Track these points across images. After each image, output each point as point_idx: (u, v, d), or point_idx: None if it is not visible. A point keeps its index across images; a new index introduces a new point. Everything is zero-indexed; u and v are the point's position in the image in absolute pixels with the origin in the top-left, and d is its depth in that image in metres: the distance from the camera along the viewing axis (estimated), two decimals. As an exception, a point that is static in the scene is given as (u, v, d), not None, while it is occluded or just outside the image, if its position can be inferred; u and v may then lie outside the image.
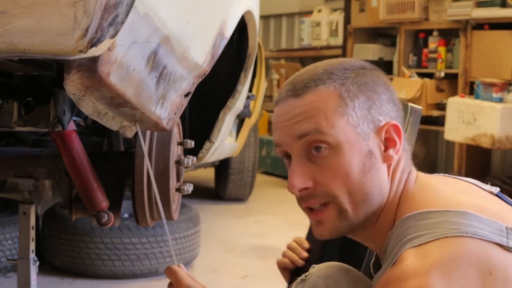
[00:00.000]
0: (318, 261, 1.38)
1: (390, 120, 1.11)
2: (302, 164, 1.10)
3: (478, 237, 0.98)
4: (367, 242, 1.19)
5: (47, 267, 3.01)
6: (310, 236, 1.49)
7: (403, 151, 1.13)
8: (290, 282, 1.46)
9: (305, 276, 1.25)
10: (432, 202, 1.06)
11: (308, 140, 1.09)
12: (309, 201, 1.11)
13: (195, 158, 2.03)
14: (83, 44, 0.87)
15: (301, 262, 1.43)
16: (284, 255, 1.47)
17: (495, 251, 0.98)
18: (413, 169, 1.17)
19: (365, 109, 1.09)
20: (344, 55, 5.68)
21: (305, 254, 1.44)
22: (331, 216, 1.10)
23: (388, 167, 1.11)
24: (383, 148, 1.10)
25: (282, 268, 1.47)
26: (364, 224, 1.12)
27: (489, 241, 0.98)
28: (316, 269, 1.24)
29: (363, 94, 1.10)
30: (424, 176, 1.17)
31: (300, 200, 1.13)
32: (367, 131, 1.09)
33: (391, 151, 1.10)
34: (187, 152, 2.12)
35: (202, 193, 5.03)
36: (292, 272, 1.46)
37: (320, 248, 1.44)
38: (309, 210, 1.13)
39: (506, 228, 1.00)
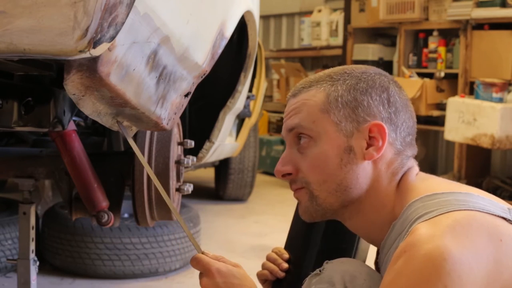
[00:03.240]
0: (298, 272, 1.37)
1: (377, 121, 1.18)
2: (290, 153, 1.24)
3: (484, 211, 1.07)
4: (360, 232, 1.26)
5: (47, 267, 3.01)
6: (288, 246, 1.45)
7: (395, 154, 1.20)
8: None
9: (319, 271, 1.24)
10: (436, 188, 1.14)
11: (295, 133, 1.23)
12: (291, 186, 1.25)
13: (195, 158, 2.03)
14: (83, 44, 0.87)
15: (281, 274, 1.39)
16: (264, 266, 1.43)
17: (502, 222, 1.07)
18: (415, 167, 1.23)
19: (350, 108, 1.19)
20: (344, 55, 5.69)
21: (286, 265, 1.40)
22: (304, 198, 1.24)
23: (374, 165, 1.19)
24: (365, 146, 1.19)
25: (263, 280, 1.43)
26: (346, 211, 1.22)
27: (495, 215, 1.07)
28: (331, 264, 1.25)
29: (350, 94, 1.20)
30: (425, 174, 1.25)
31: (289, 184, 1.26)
32: (350, 129, 1.19)
33: (371, 149, 1.18)
34: (187, 152, 2.13)
35: (202, 193, 5.03)
36: (273, 284, 1.41)
37: (299, 258, 1.41)
38: (293, 192, 1.27)
39: (508, 208, 1.11)
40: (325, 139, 1.19)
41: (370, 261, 1.37)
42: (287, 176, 1.24)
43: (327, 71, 1.26)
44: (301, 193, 1.24)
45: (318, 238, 1.42)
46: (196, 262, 1.26)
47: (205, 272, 1.24)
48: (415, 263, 1.02)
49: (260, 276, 1.43)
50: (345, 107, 1.19)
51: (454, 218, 1.05)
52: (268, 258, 1.44)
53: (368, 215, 1.21)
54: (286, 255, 1.42)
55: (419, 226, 1.06)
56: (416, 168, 1.23)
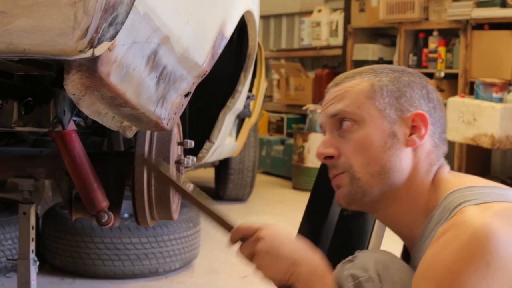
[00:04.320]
0: None
1: (420, 111, 1.24)
2: (331, 137, 1.26)
3: None
4: (392, 223, 1.28)
5: (47, 267, 3.01)
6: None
7: (433, 146, 1.26)
8: None
9: (352, 258, 1.25)
10: (471, 182, 1.19)
11: (338, 118, 1.25)
12: (331, 171, 1.27)
13: (195, 158, 2.03)
14: (83, 44, 0.87)
15: None
16: None
17: None
18: (447, 165, 1.29)
19: (393, 97, 1.24)
20: (344, 55, 5.69)
21: None
22: (345, 181, 1.24)
23: (414, 153, 1.23)
24: (408, 133, 1.23)
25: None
26: (383, 198, 1.23)
27: None
28: (363, 253, 1.27)
29: (394, 85, 1.25)
30: (457, 172, 1.31)
31: (329, 170, 1.28)
32: (393, 116, 1.23)
33: (414, 137, 1.23)
34: (187, 152, 2.12)
35: (202, 193, 5.02)
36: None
37: None
38: (332, 179, 1.27)
39: None
40: (369, 123, 1.23)
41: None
42: (329, 160, 1.26)
43: (367, 67, 1.32)
44: (341, 177, 1.25)
45: (329, 234, 1.43)
46: (239, 231, 1.27)
47: (255, 238, 1.25)
48: (461, 238, 1.06)
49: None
50: (389, 96, 1.24)
51: (499, 206, 1.10)
52: None
53: (403, 205, 1.23)
54: None
55: (466, 208, 1.10)
56: (448, 167, 1.29)
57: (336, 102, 1.26)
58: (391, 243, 1.50)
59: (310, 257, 1.23)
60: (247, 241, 1.26)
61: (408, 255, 1.32)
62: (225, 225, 1.31)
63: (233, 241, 1.28)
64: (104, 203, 1.80)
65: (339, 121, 1.25)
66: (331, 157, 1.25)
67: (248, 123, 3.97)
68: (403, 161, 1.22)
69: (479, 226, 1.05)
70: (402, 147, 1.23)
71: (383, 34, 5.56)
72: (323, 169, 1.50)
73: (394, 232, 1.31)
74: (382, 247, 1.42)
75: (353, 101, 1.24)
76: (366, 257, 1.25)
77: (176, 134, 1.95)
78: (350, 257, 1.25)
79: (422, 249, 1.19)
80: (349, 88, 1.26)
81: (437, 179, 1.24)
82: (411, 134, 1.23)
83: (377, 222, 1.47)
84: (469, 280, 1.04)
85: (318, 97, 6.04)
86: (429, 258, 1.10)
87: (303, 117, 6.07)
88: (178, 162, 1.93)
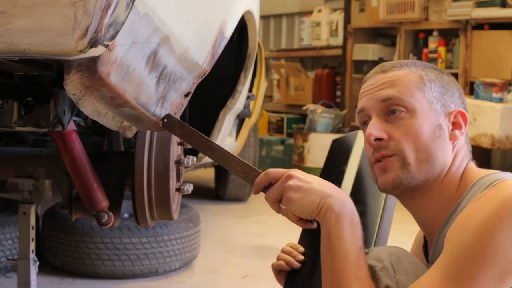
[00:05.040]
0: (314, 264, 1.38)
1: (461, 109, 1.31)
2: (380, 121, 1.29)
3: None
4: (422, 212, 1.31)
5: (47, 267, 3.01)
6: (302, 242, 1.47)
7: (465, 143, 1.33)
8: (285, 285, 1.43)
9: (367, 251, 1.28)
10: (499, 171, 1.26)
11: (389, 103, 1.28)
12: (380, 151, 1.28)
13: (195, 158, 2.03)
14: (83, 44, 0.87)
15: (297, 264, 1.41)
16: (279, 258, 1.45)
17: None
18: (473, 161, 1.35)
19: (439, 93, 1.29)
20: (344, 55, 5.69)
21: (301, 257, 1.42)
22: (394, 165, 1.27)
23: (453, 147, 1.30)
24: (450, 128, 1.29)
25: (278, 271, 1.45)
26: (424, 185, 1.27)
27: None
28: (377, 247, 1.33)
29: (439, 81, 1.31)
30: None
31: (372, 154, 1.29)
32: (439, 110, 1.29)
33: (457, 132, 1.30)
34: (187, 152, 2.12)
35: (202, 193, 5.03)
36: (287, 275, 1.43)
37: (314, 252, 1.41)
38: (376, 163, 1.29)
39: None
40: (420, 112, 1.27)
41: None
42: (378, 142, 1.28)
43: (408, 60, 1.38)
44: (390, 161, 1.27)
45: None
46: (268, 175, 1.29)
47: (285, 177, 1.27)
48: (501, 196, 1.12)
49: (275, 266, 1.45)
50: (436, 90, 1.29)
51: None
52: (284, 251, 1.46)
53: (436, 194, 1.28)
54: (302, 249, 1.45)
55: (506, 180, 1.18)
56: (474, 163, 1.35)
57: (388, 88, 1.29)
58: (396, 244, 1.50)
59: (340, 193, 1.26)
60: (276, 183, 1.28)
61: (426, 249, 1.36)
62: (252, 174, 1.34)
63: (261, 185, 1.31)
64: (104, 203, 1.80)
65: (388, 106, 1.28)
66: (379, 139, 1.28)
67: (248, 123, 3.97)
68: (447, 152, 1.28)
69: (510, 193, 1.11)
70: (447, 140, 1.29)
71: (383, 34, 5.56)
72: (325, 171, 1.50)
73: (418, 221, 1.35)
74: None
75: (406, 89, 1.28)
76: (380, 250, 1.30)
77: (176, 134, 1.94)
78: (365, 250, 1.27)
79: (443, 233, 1.21)
80: (400, 76, 1.29)
81: (466, 172, 1.30)
82: (453, 130, 1.30)
83: (382, 223, 1.47)
84: (503, 233, 1.09)
85: (318, 97, 6.05)
86: (467, 211, 1.15)
87: (303, 117, 6.07)
88: (178, 162, 1.93)
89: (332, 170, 1.48)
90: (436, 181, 1.28)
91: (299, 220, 1.28)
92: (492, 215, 1.10)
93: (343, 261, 1.21)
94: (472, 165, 1.33)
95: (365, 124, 1.33)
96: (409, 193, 1.29)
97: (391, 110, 1.28)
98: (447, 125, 1.29)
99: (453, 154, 1.30)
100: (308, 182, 1.25)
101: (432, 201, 1.29)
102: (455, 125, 1.30)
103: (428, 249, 1.32)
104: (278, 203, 1.28)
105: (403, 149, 1.26)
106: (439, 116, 1.28)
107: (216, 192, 4.88)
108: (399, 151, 1.26)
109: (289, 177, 1.26)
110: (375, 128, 1.28)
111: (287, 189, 1.26)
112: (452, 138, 1.29)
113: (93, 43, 0.88)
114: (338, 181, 1.44)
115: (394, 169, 1.27)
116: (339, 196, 1.25)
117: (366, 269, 1.21)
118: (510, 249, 1.08)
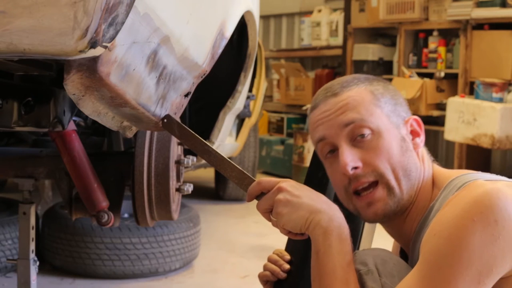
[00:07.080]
0: (300, 273, 1.37)
1: (414, 116, 1.31)
2: (350, 148, 1.25)
3: None
4: (400, 227, 1.30)
5: (47, 267, 3.01)
6: (290, 248, 1.45)
7: (424, 147, 1.31)
8: None
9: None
10: (468, 171, 1.25)
11: (353, 127, 1.25)
12: (359, 180, 1.25)
13: (195, 158, 2.03)
14: (83, 44, 0.87)
15: (283, 275, 1.39)
16: (265, 268, 1.43)
17: None
18: (435, 161, 1.35)
19: (392, 104, 1.28)
20: (344, 55, 5.68)
21: (287, 266, 1.40)
22: (382, 195, 1.24)
23: (417, 154, 1.29)
24: (411, 137, 1.29)
25: (264, 281, 1.42)
26: (408, 202, 1.26)
27: None
28: (362, 251, 1.32)
29: (388, 93, 1.29)
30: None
31: (349, 184, 1.26)
32: (397, 122, 1.27)
33: (417, 140, 1.29)
34: (187, 152, 2.12)
35: (202, 193, 5.03)
36: (274, 285, 1.40)
37: (301, 259, 1.40)
38: (356, 196, 1.26)
39: None
40: (384, 130, 1.25)
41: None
42: (354, 171, 1.24)
43: (348, 76, 1.34)
44: (376, 191, 1.24)
45: None
46: (260, 185, 1.29)
47: (276, 189, 1.27)
48: (471, 196, 1.12)
49: (261, 277, 1.43)
50: (389, 103, 1.28)
51: (507, 182, 1.17)
52: (270, 260, 1.44)
53: (416, 208, 1.27)
54: (288, 257, 1.43)
55: (476, 180, 1.17)
56: (437, 163, 1.34)
57: (348, 111, 1.25)
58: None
59: (330, 207, 1.25)
60: (267, 194, 1.28)
61: (404, 254, 1.35)
62: (246, 181, 1.33)
63: (253, 194, 1.30)
64: (104, 203, 1.80)
65: (353, 130, 1.24)
66: (355, 168, 1.24)
67: (248, 123, 3.97)
68: (417, 163, 1.27)
69: (491, 187, 1.11)
70: (412, 149, 1.28)
71: (383, 34, 5.55)
72: (309, 176, 1.50)
73: (396, 237, 1.34)
74: None
75: (364, 109, 1.25)
76: (365, 254, 1.29)
77: (176, 134, 1.94)
78: None
79: (419, 239, 1.21)
80: (354, 96, 1.26)
81: (435, 175, 1.29)
82: (413, 138, 1.29)
83: (365, 228, 1.47)
84: (477, 236, 1.08)
85: (318, 97, 6.03)
86: (439, 216, 1.14)
87: (303, 117, 6.07)
88: (178, 162, 1.94)
89: (316, 175, 1.47)
90: (416, 194, 1.27)
91: (289, 233, 1.28)
92: (464, 218, 1.10)
93: (331, 278, 1.21)
94: (437, 166, 1.32)
95: (329, 153, 1.29)
96: (393, 216, 1.28)
97: (359, 134, 1.24)
98: (407, 135, 1.28)
99: (419, 161, 1.28)
100: (297, 196, 1.25)
101: (412, 214, 1.27)
102: (413, 133, 1.29)
103: (408, 256, 1.32)
104: (269, 213, 1.28)
105: (383, 173, 1.23)
106: (399, 128, 1.27)
107: (216, 192, 4.88)
108: (380, 176, 1.24)
109: (280, 190, 1.26)
110: (349, 156, 1.24)
111: (276, 203, 1.25)
112: (415, 147, 1.28)
113: (93, 43, 0.88)
114: (322, 186, 1.43)
115: (381, 199, 1.24)
116: (328, 210, 1.24)
117: (356, 283, 1.21)
118: (485, 250, 1.08)
